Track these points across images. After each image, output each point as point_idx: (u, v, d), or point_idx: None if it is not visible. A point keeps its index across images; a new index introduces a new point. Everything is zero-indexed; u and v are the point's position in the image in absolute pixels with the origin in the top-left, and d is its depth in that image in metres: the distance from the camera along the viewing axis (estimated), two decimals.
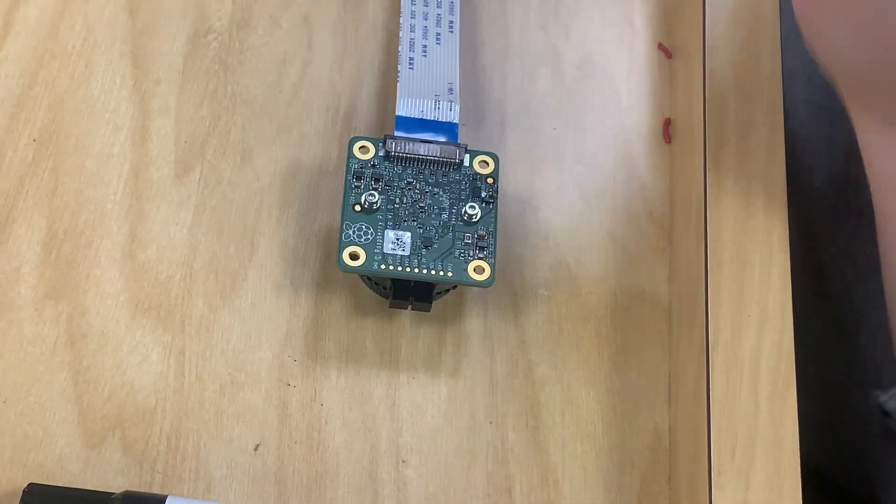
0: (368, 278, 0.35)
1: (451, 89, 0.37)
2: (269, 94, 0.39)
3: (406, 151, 0.35)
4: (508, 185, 0.38)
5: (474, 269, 0.34)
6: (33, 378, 0.34)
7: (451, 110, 0.36)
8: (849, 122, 0.52)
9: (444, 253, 0.34)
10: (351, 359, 0.35)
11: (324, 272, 0.36)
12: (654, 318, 0.37)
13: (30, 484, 0.31)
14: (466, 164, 0.35)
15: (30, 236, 0.36)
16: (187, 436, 0.33)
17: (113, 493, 0.31)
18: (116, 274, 0.35)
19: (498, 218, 0.35)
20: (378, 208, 0.34)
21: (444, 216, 0.34)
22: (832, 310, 0.51)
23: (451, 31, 0.38)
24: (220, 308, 0.35)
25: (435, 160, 0.35)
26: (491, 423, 0.35)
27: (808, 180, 0.52)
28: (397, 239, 0.34)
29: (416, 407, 0.35)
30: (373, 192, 0.34)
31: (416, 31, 0.38)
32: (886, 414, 0.38)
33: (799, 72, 0.52)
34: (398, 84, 0.37)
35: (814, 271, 0.51)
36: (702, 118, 0.37)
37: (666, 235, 0.38)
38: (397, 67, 0.37)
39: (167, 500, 0.31)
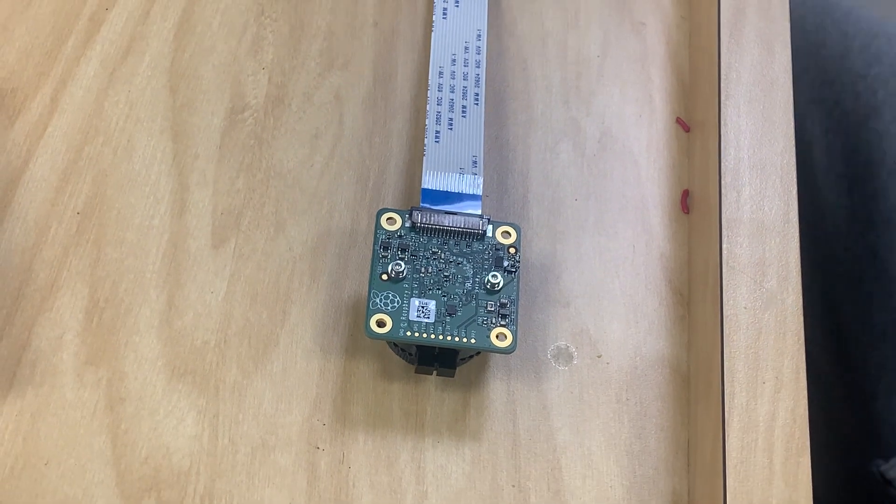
0: (395, 344, 0.36)
1: (475, 162, 0.38)
2: (302, 168, 0.41)
3: (431, 223, 0.36)
4: (531, 253, 0.40)
5: (497, 336, 0.35)
6: (74, 441, 0.35)
7: (474, 183, 0.38)
8: (867, 189, 0.53)
9: (468, 320, 0.35)
10: (378, 423, 0.36)
11: (352, 338, 0.37)
12: (674, 385, 0.38)
13: None
14: (489, 234, 0.37)
15: (73, 304, 0.37)
16: (220, 497, 0.35)
17: None
18: (154, 340, 0.37)
19: (520, 286, 0.37)
20: (404, 277, 0.35)
21: (468, 285, 0.36)
22: (849, 373, 0.51)
23: (477, 104, 0.40)
24: (253, 373, 0.37)
25: (459, 231, 0.36)
26: (513, 486, 0.36)
27: (827, 246, 0.53)
28: (422, 307, 0.35)
29: (440, 470, 0.36)
30: (399, 261, 0.36)
31: (443, 103, 0.40)
32: (887, 482, 0.39)
33: (818, 141, 0.54)
34: (424, 158, 0.38)
35: (831, 334, 0.52)
36: (717, 189, 0.38)
37: (685, 303, 0.39)
38: (424, 141, 0.39)
39: None
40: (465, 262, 0.36)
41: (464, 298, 0.35)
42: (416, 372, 0.36)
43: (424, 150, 0.38)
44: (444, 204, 0.37)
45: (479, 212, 0.37)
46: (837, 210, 0.53)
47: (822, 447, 0.51)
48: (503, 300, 0.35)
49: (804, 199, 0.51)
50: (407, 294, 0.35)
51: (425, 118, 0.40)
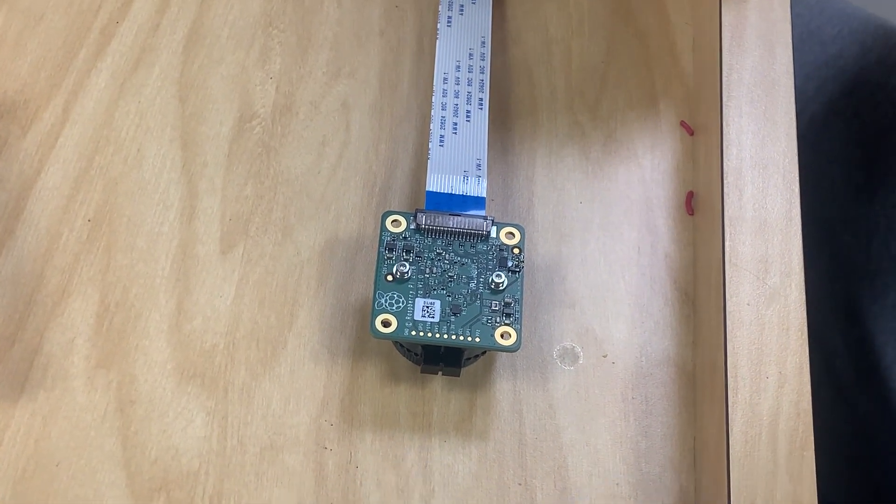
0: (401, 345, 0.36)
1: (478, 165, 0.39)
2: (309, 174, 0.41)
3: (436, 224, 0.37)
4: (536, 256, 0.40)
5: (501, 335, 0.35)
6: (85, 443, 0.36)
7: (478, 185, 0.38)
8: (889, 200, 0.53)
9: (472, 319, 0.35)
10: (385, 423, 0.36)
11: (359, 341, 0.38)
12: (680, 383, 0.38)
13: None
14: (493, 235, 0.37)
15: (84, 309, 0.38)
16: (229, 497, 0.35)
17: None
18: (164, 344, 0.37)
19: (526, 287, 0.37)
20: (409, 278, 0.36)
21: (472, 285, 0.36)
22: (874, 386, 0.51)
23: (481, 108, 0.40)
24: (261, 375, 0.37)
25: (463, 232, 0.37)
26: (520, 484, 0.36)
27: (848, 256, 0.53)
28: (427, 307, 0.35)
29: (447, 469, 0.36)
30: (404, 262, 0.36)
31: (447, 108, 0.40)
32: None
33: (838, 153, 0.54)
34: (429, 161, 0.39)
35: (854, 345, 0.52)
36: (720, 190, 0.38)
37: (690, 302, 0.39)
38: (428, 145, 0.39)
39: None
40: (469, 263, 0.36)
41: (468, 298, 0.36)
42: (422, 371, 0.36)
43: (429, 154, 0.39)
44: (448, 206, 0.38)
45: (483, 213, 0.37)
46: (858, 220, 0.53)
47: (850, 461, 0.50)
48: (507, 299, 0.36)
49: (823, 211, 0.51)
50: (412, 294, 0.36)
51: (430, 124, 0.40)
